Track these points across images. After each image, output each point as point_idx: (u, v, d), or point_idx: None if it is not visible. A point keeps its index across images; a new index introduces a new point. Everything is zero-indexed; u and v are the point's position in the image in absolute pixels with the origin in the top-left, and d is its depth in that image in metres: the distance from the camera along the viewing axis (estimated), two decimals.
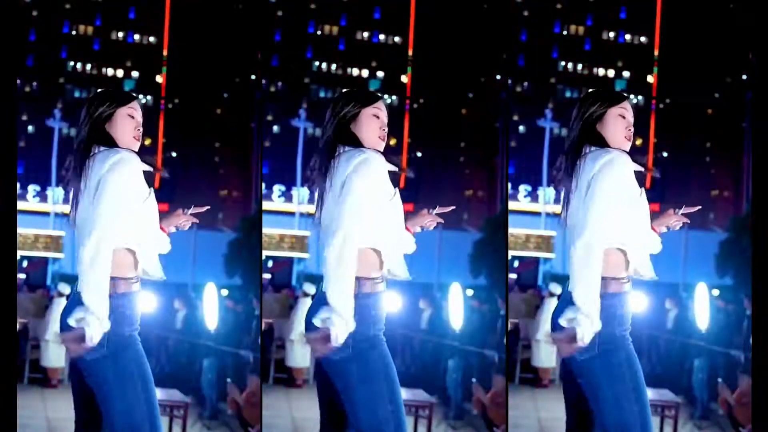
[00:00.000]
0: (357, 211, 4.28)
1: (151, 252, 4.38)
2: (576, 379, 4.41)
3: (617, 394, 4.31)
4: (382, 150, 4.49)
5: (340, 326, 4.24)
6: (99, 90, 4.53)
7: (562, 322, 4.32)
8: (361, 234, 4.29)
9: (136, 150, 4.45)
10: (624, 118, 4.49)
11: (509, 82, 8.41)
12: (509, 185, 8.48)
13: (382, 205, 4.35)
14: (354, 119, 4.44)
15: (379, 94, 4.53)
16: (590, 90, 4.63)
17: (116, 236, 4.27)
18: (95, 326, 4.21)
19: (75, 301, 4.28)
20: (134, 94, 4.52)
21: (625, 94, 4.59)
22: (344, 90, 4.57)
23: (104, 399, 4.28)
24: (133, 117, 4.42)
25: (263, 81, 8.38)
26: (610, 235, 4.35)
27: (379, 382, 4.30)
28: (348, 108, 4.44)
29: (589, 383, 4.36)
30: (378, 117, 4.46)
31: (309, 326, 4.35)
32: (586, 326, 4.28)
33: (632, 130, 4.51)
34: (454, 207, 4.65)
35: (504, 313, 7.85)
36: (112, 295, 4.26)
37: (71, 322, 4.24)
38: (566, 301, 4.35)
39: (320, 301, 4.31)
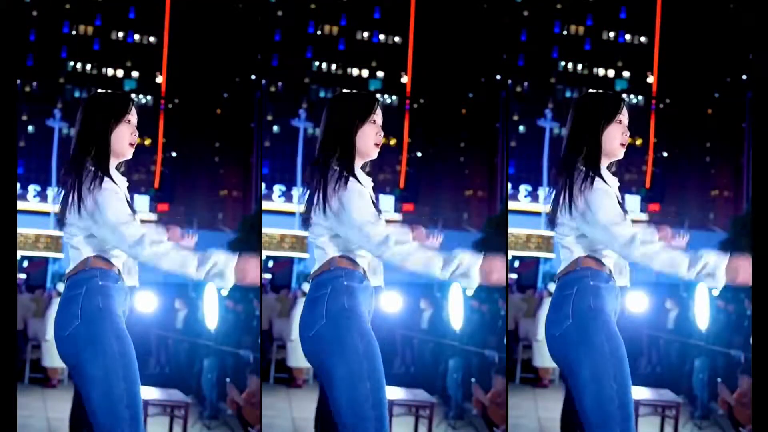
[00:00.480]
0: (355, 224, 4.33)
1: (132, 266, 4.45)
2: (556, 360, 4.43)
3: (596, 369, 4.31)
4: (374, 156, 4.51)
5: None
6: (94, 94, 4.51)
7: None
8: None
9: (129, 156, 4.48)
10: (620, 122, 4.49)
11: (509, 82, 8.41)
12: (509, 185, 8.48)
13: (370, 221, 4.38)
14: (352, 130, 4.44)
15: (377, 96, 4.53)
16: (585, 95, 4.60)
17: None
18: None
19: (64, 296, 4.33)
20: (130, 96, 4.51)
21: (622, 96, 4.57)
22: (339, 95, 4.54)
23: (78, 373, 4.29)
24: (129, 122, 4.43)
25: (263, 81, 8.38)
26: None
27: (357, 358, 4.29)
28: (346, 121, 4.43)
29: (566, 357, 4.36)
30: (374, 122, 4.46)
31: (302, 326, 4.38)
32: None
33: (628, 133, 4.51)
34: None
35: (504, 313, 7.85)
36: (89, 269, 4.31)
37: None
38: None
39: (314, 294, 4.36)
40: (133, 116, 4.45)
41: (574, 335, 4.35)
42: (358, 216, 4.33)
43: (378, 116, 4.47)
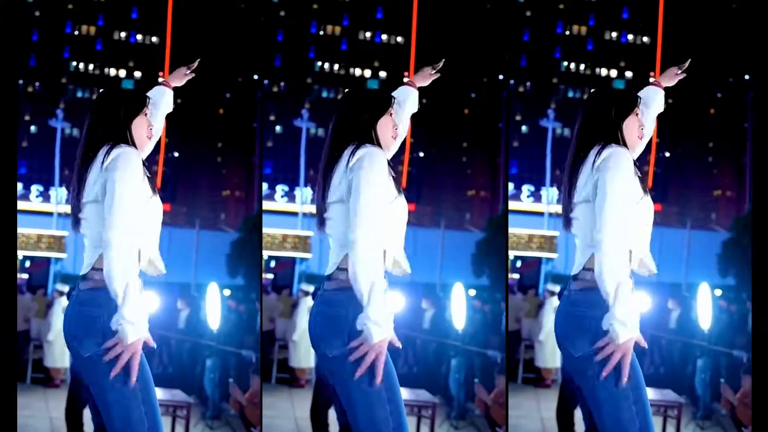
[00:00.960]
0: (373, 210, 4.23)
1: (154, 251, 4.34)
2: (574, 378, 4.37)
3: (614, 392, 4.27)
4: (395, 150, 4.49)
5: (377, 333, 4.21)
6: (108, 90, 4.48)
7: (604, 325, 4.23)
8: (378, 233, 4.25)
9: (149, 149, 4.45)
10: (637, 115, 4.45)
11: (512, 82, 8.41)
12: (510, 185, 8.48)
13: (388, 203, 4.32)
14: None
15: (393, 95, 4.50)
16: (596, 91, 4.56)
17: (135, 236, 4.22)
18: (131, 332, 4.16)
19: (78, 299, 4.26)
20: (146, 95, 4.48)
21: (637, 94, 4.53)
22: (354, 91, 4.51)
23: (101, 398, 4.26)
24: (146, 115, 4.40)
25: (266, 81, 8.37)
26: (627, 237, 4.25)
27: (379, 399, 4.27)
28: (364, 116, 4.39)
29: (586, 381, 4.32)
30: (391, 115, 4.44)
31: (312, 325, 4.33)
32: (623, 333, 4.21)
33: (644, 127, 4.47)
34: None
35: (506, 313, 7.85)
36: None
37: (113, 325, 4.19)
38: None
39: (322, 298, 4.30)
40: (150, 112, 4.42)
41: (594, 364, 4.28)
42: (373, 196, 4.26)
43: (395, 112, 4.45)
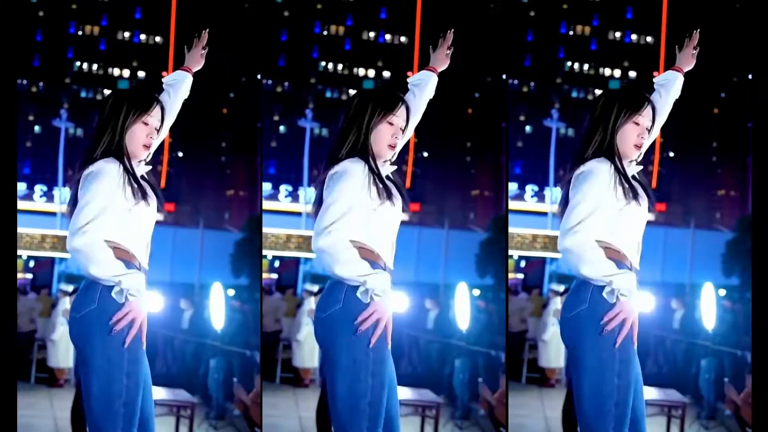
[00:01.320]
0: (339, 209, 4.28)
1: (143, 252, 4.40)
2: (565, 341, 4.38)
3: (601, 361, 4.26)
4: (389, 158, 4.47)
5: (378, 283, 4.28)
6: (116, 91, 4.49)
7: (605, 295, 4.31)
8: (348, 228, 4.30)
9: (146, 158, 4.46)
10: (638, 124, 4.45)
11: (515, 82, 8.40)
12: (513, 185, 8.47)
13: (367, 205, 4.33)
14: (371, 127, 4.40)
15: (401, 95, 4.48)
16: (609, 91, 4.57)
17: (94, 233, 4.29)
18: (137, 301, 4.26)
19: (84, 293, 4.30)
20: (155, 96, 4.47)
21: (647, 96, 4.53)
22: (362, 91, 4.51)
23: (86, 360, 4.26)
24: (147, 124, 4.40)
25: (269, 81, 8.37)
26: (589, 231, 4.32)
27: (366, 350, 4.27)
28: (373, 116, 4.39)
29: (574, 341, 4.32)
30: (392, 124, 4.42)
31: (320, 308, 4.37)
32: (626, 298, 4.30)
33: (645, 137, 4.47)
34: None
35: (509, 313, 7.85)
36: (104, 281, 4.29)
37: (118, 297, 4.27)
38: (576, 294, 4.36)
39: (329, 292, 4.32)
40: (152, 117, 4.41)
41: (587, 320, 4.31)
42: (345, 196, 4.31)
43: (398, 119, 4.42)
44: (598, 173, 4.34)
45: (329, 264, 4.26)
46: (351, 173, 4.31)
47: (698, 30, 4.81)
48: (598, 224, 4.30)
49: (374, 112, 4.39)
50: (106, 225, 4.29)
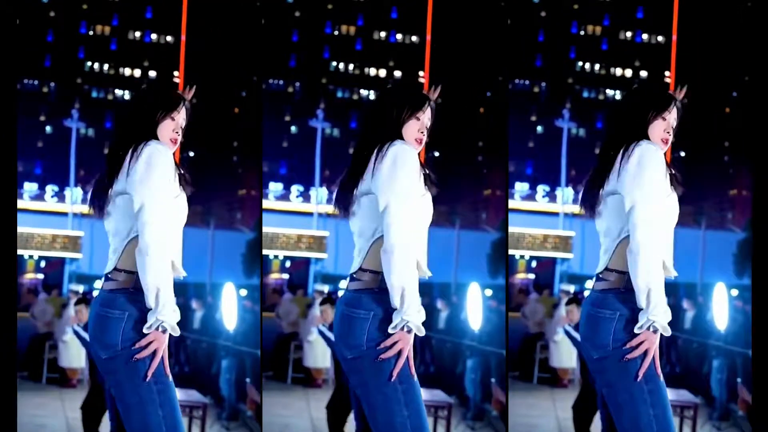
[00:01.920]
0: (404, 208, 4.21)
1: (177, 253, 4.33)
2: (594, 380, 4.36)
3: (632, 396, 4.25)
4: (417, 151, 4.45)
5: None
6: (147, 88, 4.49)
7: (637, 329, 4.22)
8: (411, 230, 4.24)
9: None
10: (665, 120, 4.44)
11: (527, 82, 8.39)
12: (522, 185, 8.47)
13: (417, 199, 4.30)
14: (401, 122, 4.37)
15: (426, 95, 4.45)
16: (636, 89, 4.55)
17: (169, 239, 4.23)
18: (170, 318, 4.19)
19: (99, 300, 4.25)
20: (183, 96, 4.45)
21: (672, 95, 4.51)
22: (391, 88, 4.50)
23: (121, 400, 4.25)
24: (174, 119, 4.38)
25: (280, 81, 8.37)
26: (660, 236, 4.26)
27: (394, 384, 4.25)
28: (401, 112, 4.36)
29: (605, 383, 4.31)
30: (419, 119, 4.40)
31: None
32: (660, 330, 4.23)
33: (671, 133, 4.45)
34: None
35: (513, 313, 7.85)
36: (132, 291, 4.23)
37: (145, 329, 4.18)
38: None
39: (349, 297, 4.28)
40: (179, 114, 4.39)
41: (613, 364, 4.26)
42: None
43: (425, 115, 4.40)
44: (657, 153, 4.29)
45: (399, 265, 4.17)
46: (412, 154, 4.27)
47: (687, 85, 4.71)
48: (667, 214, 4.26)
49: (402, 109, 4.36)
50: (171, 216, 4.22)
